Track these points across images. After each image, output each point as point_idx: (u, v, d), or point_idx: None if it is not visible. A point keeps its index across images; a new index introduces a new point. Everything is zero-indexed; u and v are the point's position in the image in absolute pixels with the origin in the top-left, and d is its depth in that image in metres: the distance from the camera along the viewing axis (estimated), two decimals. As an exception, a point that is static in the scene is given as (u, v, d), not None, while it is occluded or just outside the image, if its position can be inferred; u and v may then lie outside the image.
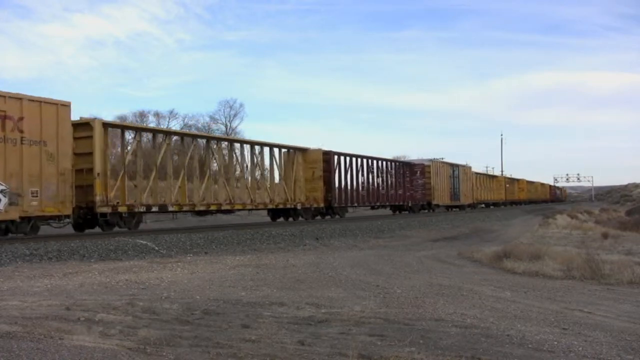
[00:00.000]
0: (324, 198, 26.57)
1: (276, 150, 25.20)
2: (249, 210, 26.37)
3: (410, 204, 36.33)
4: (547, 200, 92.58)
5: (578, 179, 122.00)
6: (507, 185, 67.22)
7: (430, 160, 39.57)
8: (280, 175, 25.20)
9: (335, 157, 27.76)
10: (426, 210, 39.36)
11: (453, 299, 7.49)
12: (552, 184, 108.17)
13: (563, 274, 10.03)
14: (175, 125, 63.24)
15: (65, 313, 6.23)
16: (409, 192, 36.15)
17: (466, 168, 47.60)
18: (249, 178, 23.46)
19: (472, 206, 50.01)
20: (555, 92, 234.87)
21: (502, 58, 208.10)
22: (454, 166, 44.12)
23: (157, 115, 65.86)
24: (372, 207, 33.82)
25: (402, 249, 15.63)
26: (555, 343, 5.23)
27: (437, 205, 40.61)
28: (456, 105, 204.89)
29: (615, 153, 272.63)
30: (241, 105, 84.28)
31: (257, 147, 24.27)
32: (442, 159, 52.97)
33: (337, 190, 27.32)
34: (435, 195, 39.20)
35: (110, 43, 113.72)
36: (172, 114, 66.83)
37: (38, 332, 5.37)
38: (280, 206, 24.76)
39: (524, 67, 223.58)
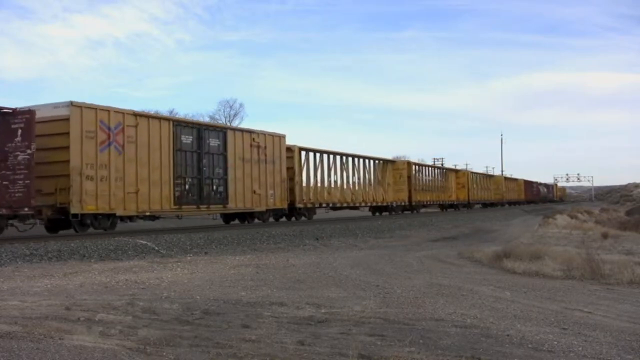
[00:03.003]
0: None
1: None
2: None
3: None
4: (521, 201, 69.00)
5: (578, 179, 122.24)
6: (426, 178, 40.10)
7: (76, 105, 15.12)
8: None
9: None
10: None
11: (453, 299, 7.49)
12: (526, 179, 76.48)
13: (563, 274, 10.02)
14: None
15: (65, 313, 6.23)
16: None
17: (255, 135, 22.02)
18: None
19: (300, 213, 25.90)
20: (555, 92, 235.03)
21: (502, 58, 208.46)
22: (194, 127, 19.36)
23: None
24: None
25: (402, 249, 15.63)
26: (555, 343, 5.23)
27: (90, 223, 15.53)
28: (456, 105, 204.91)
29: (615, 153, 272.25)
30: (241, 105, 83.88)
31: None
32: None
33: None
34: (81, 193, 15.01)
35: (110, 43, 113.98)
36: (172, 114, 66.79)
37: (38, 332, 5.37)
38: None
39: (524, 67, 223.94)
